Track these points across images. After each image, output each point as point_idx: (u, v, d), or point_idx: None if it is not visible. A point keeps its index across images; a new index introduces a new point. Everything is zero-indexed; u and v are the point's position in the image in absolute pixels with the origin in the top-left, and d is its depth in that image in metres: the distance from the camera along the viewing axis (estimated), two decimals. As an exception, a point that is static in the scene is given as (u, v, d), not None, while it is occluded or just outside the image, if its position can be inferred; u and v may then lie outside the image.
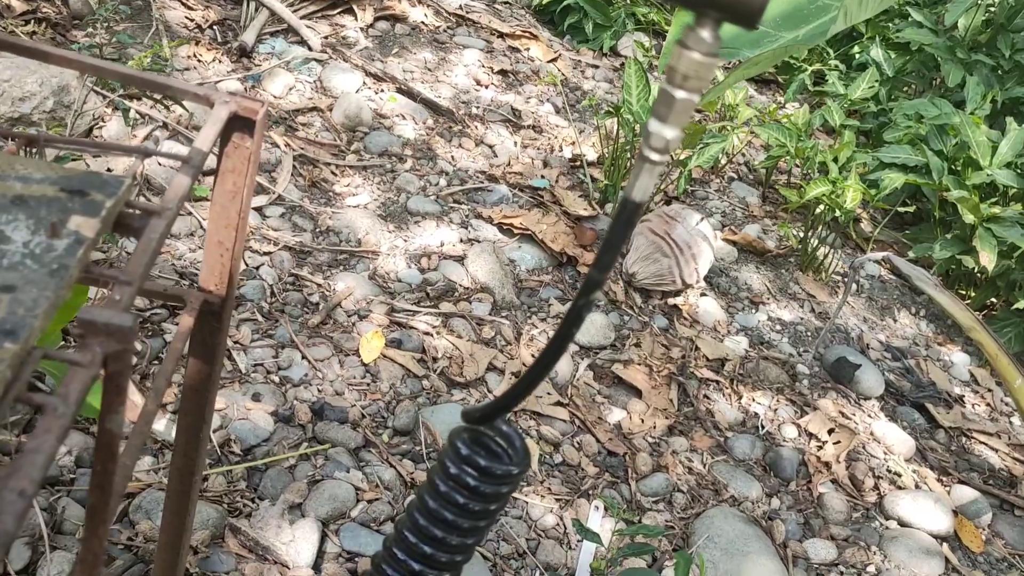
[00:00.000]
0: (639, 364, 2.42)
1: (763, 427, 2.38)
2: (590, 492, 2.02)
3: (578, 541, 1.89)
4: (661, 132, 0.58)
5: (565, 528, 1.91)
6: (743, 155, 3.67)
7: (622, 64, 4.04)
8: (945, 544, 2.20)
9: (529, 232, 2.71)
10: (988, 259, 2.80)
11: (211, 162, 1.02)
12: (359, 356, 2.12)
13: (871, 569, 2.07)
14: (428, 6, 3.88)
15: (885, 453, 2.43)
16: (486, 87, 3.48)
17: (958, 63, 3.65)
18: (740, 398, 2.45)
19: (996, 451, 2.59)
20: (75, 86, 2.37)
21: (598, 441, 2.15)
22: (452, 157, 3.01)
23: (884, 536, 2.17)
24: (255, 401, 1.91)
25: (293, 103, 2.96)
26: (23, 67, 2.36)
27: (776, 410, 2.45)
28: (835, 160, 3.11)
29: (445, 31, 3.77)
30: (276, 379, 1.99)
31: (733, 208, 3.32)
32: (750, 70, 1.76)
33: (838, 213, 2.95)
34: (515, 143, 3.22)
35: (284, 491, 1.74)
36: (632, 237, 2.76)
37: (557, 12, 4.23)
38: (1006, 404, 2.82)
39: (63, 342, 1.75)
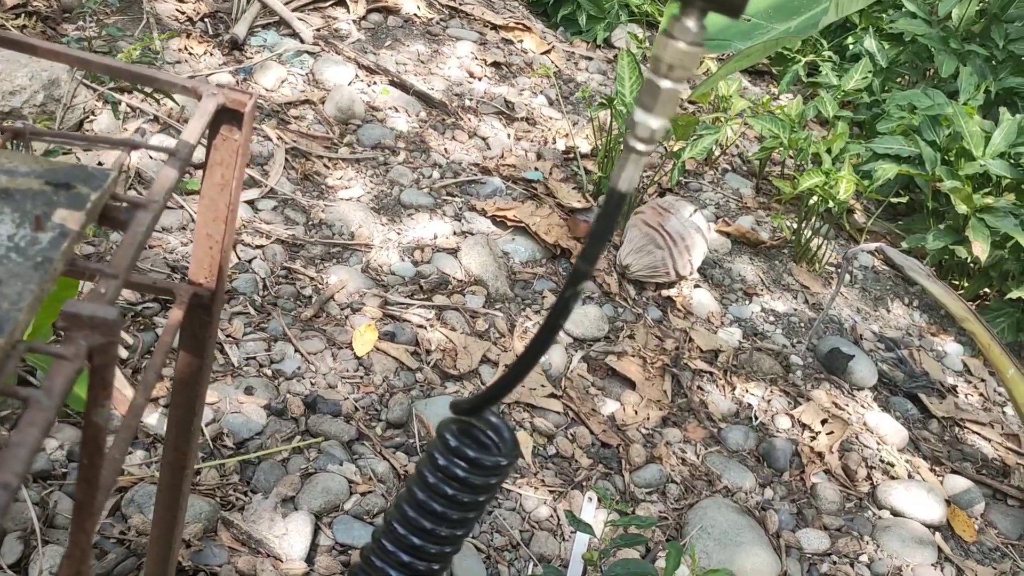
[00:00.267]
0: (633, 356, 2.42)
1: (756, 418, 2.38)
2: (584, 484, 2.02)
3: (572, 532, 1.89)
4: (647, 122, 0.58)
5: (559, 520, 1.92)
6: (737, 147, 3.67)
7: (616, 56, 4.03)
8: (938, 533, 2.21)
9: (523, 224, 2.71)
10: (981, 249, 2.81)
11: (201, 155, 1.02)
12: (352, 349, 2.12)
13: (864, 559, 2.08)
14: (421, -2, 3.87)
15: (878, 443, 2.43)
16: (479, 79, 3.48)
17: (951, 53, 3.65)
18: (734, 389, 2.45)
19: (989, 441, 2.59)
20: (65, 80, 2.36)
21: (592, 433, 2.16)
22: (445, 150, 3.00)
23: (877, 526, 2.17)
24: (248, 395, 1.90)
25: (285, 96, 2.95)
26: (13, 61, 2.35)
27: (769, 401, 2.45)
28: (828, 151, 3.11)
29: (438, 23, 3.76)
30: (269, 372, 1.99)
31: (727, 200, 3.32)
32: (742, 62, 1.76)
33: (831, 204, 2.95)
34: (508, 135, 3.21)
35: (277, 484, 1.74)
36: (626, 229, 2.76)
37: (550, 4, 4.22)
38: (999, 394, 2.83)
39: (55, 336, 1.75)
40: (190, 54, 2.92)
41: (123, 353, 1.83)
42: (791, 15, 1.78)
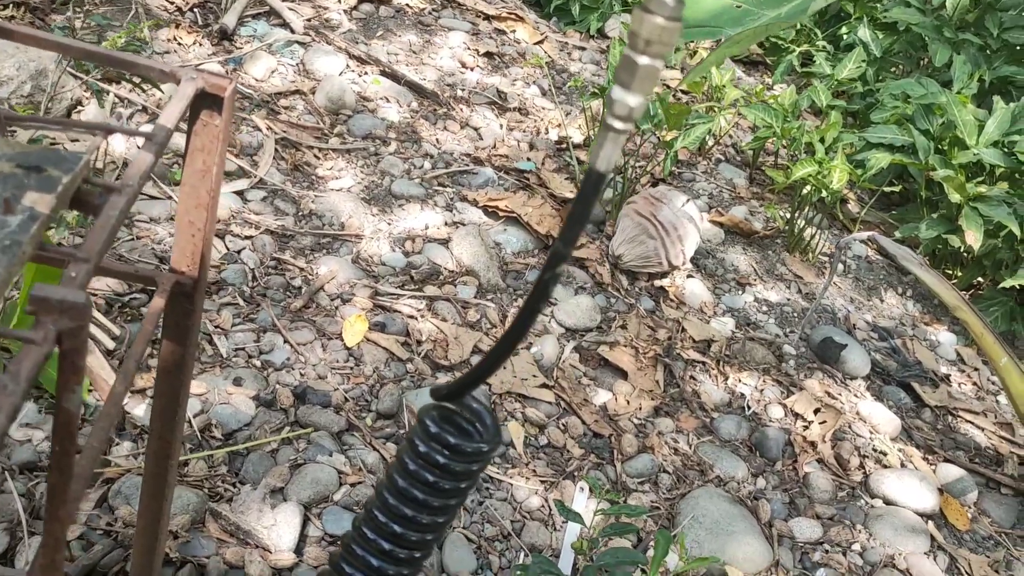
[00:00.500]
0: (625, 346, 2.41)
1: (749, 408, 2.38)
2: (575, 474, 2.01)
3: (563, 523, 1.89)
4: (624, 99, 0.57)
5: (550, 510, 1.91)
6: (730, 136, 3.65)
7: (609, 46, 4.02)
8: (931, 522, 2.20)
9: (515, 215, 2.70)
10: (974, 238, 2.80)
11: (183, 143, 1.01)
12: (342, 340, 2.11)
13: (856, 547, 2.07)
14: (413, -12, 3.85)
15: (871, 432, 2.43)
16: (471, 69, 3.46)
17: (945, 43, 3.64)
18: (726, 379, 2.44)
19: (982, 430, 2.59)
20: (52, 70, 2.35)
21: (583, 423, 2.15)
22: (437, 140, 2.99)
23: (870, 514, 2.17)
24: (236, 385, 1.89)
25: (275, 86, 2.93)
26: (1, 51, 2.33)
27: (762, 391, 2.44)
28: (822, 140, 3.10)
29: (430, 13, 3.74)
30: (258, 363, 1.98)
31: (720, 190, 3.31)
32: (732, 48, 1.75)
33: (824, 194, 2.94)
34: (501, 126, 3.20)
35: (266, 475, 1.73)
36: (618, 219, 2.75)
37: (543, -6, 4.20)
38: (992, 383, 2.82)
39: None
40: (179, 44, 2.90)
41: (110, 344, 1.82)
42: (782, 2, 1.76)
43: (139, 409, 1.74)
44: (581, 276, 2.62)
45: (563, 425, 2.12)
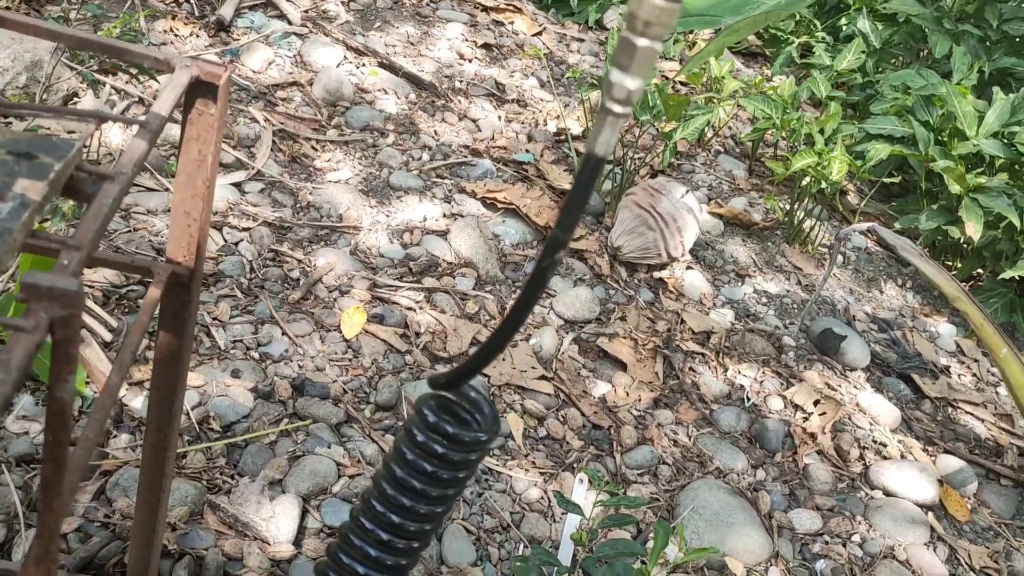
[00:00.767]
0: (624, 337, 2.40)
1: (749, 399, 2.37)
2: (575, 465, 2.01)
3: (562, 514, 1.88)
4: (623, 82, 0.56)
5: (549, 501, 1.90)
6: (729, 128, 3.64)
7: (607, 37, 4.00)
8: (930, 513, 2.20)
9: (513, 206, 2.69)
10: (974, 229, 2.79)
11: (177, 133, 1.00)
12: (340, 332, 2.10)
13: (856, 538, 2.07)
14: (410, -21, 3.83)
15: (871, 424, 2.43)
16: (469, 61, 3.45)
17: (945, 34, 3.62)
18: (726, 371, 2.44)
19: (982, 421, 2.59)
20: (48, 61, 2.33)
21: (583, 415, 2.14)
22: (435, 132, 2.98)
23: (869, 506, 2.17)
24: (234, 378, 1.88)
25: (272, 78, 2.92)
26: (-5, 42, 2.31)
27: (762, 382, 2.44)
28: (821, 132, 3.09)
29: (428, 4, 3.73)
30: (256, 355, 1.97)
31: (719, 181, 3.30)
32: (731, 37, 1.74)
33: (824, 185, 2.93)
34: (499, 117, 3.19)
35: (264, 467, 1.72)
36: (617, 210, 2.74)
37: (541, -15, 4.18)
38: (992, 374, 2.82)
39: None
40: (176, 35, 2.88)
41: (107, 336, 1.81)
42: (782, -10, 1.75)
43: (137, 401, 1.73)
44: (580, 268, 2.61)
45: (562, 417, 2.12)
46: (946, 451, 2.42)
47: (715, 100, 3.26)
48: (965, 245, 3.13)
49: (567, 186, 2.84)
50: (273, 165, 2.56)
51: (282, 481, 1.71)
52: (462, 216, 2.60)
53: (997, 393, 2.74)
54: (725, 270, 2.85)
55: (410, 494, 0.75)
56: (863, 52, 3.71)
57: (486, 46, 3.58)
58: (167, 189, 2.29)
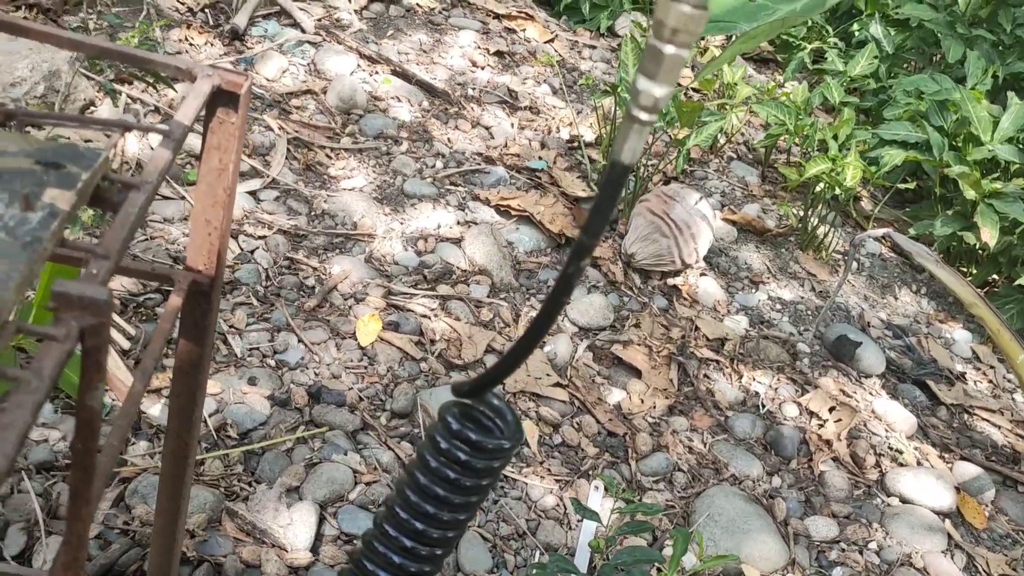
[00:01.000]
0: (639, 344, 2.40)
1: (764, 406, 2.36)
2: (590, 472, 2.01)
3: (578, 521, 1.88)
4: (650, 90, 0.56)
5: (565, 508, 1.90)
6: (742, 134, 3.64)
7: (619, 44, 4.00)
8: (947, 520, 2.19)
9: (527, 214, 2.69)
10: (989, 235, 2.78)
11: (198, 143, 1.00)
12: (356, 339, 2.11)
13: (873, 546, 2.06)
14: (423, -12, 3.84)
15: (886, 430, 2.42)
16: (482, 68, 3.46)
17: (958, 38, 3.62)
18: (740, 377, 2.43)
19: (999, 428, 2.57)
20: (66, 71, 2.35)
21: (598, 421, 2.14)
22: (448, 139, 2.98)
23: (886, 513, 2.16)
24: (251, 385, 1.89)
25: (287, 86, 2.94)
26: (14, 52, 2.33)
27: (777, 389, 2.43)
28: (835, 138, 3.09)
29: (440, 12, 3.74)
30: (272, 363, 1.98)
31: (732, 188, 3.29)
32: (747, 43, 1.74)
33: (838, 191, 2.93)
34: (512, 125, 3.19)
35: (281, 474, 1.72)
36: (631, 217, 2.74)
37: (553, -8, 4.20)
38: (1008, 381, 2.80)
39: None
40: (191, 44, 2.90)
41: (125, 344, 1.82)
42: (796, -4, 1.75)
43: (154, 409, 1.74)
44: (594, 275, 2.61)
45: (577, 424, 2.11)
46: (963, 458, 2.41)
47: (728, 106, 3.26)
48: (980, 251, 3.12)
49: (580, 193, 2.84)
50: (288, 173, 2.57)
51: (299, 488, 1.72)
52: (476, 223, 2.61)
53: (1014, 399, 2.72)
54: (739, 277, 2.85)
55: (434, 501, 0.75)
56: (876, 57, 3.71)
57: (498, 53, 3.59)
58: (183, 197, 2.30)
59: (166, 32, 2.85)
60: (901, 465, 2.32)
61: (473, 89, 3.31)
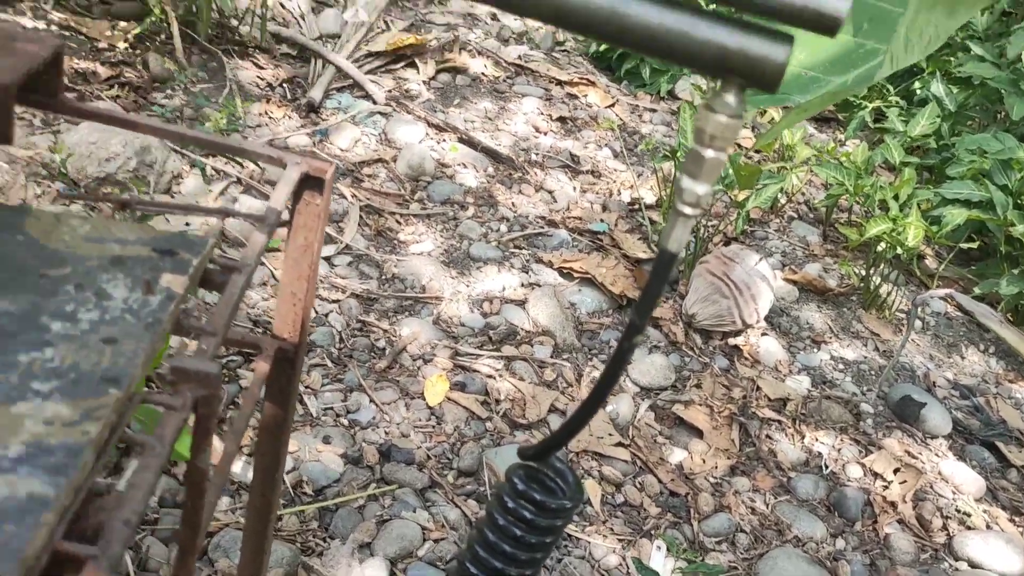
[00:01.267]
0: (700, 404, 2.43)
1: (827, 467, 2.37)
2: (652, 532, 2.04)
3: (641, 581, 1.91)
4: (693, 188, 0.63)
5: (628, 568, 1.93)
6: (803, 194, 3.67)
7: (679, 107, 4.09)
8: (1019, 586, 2.16)
9: (589, 276, 2.76)
10: (1057, 294, 2.76)
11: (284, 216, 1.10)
12: (424, 399, 2.19)
13: (941, 611, 2.04)
14: (488, 57, 4.00)
15: (954, 493, 2.39)
16: (545, 134, 3.57)
17: (1022, 96, 3.62)
18: (803, 438, 2.44)
19: (1072, 490, 2.53)
20: (156, 147, 2.52)
21: (660, 481, 2.17)
22: (512, 203, 3.08)
23: (954, 577, 2.14)
24: (325, 443, 1.98)
25: (359, 155, 3.08)
26: (108, 130, 2.51)
27: (840, 449, 2.43)
28: (896, 198, 3.11)
29: (504, 80, 3.88)
30: (345, 422, 2.07)
31: (793, 247, 3.32)
32: (800, 115, 1.80)
33: (900, 250, 2.94)
34: (574, 188, 3.28)
35: (354, 530, 1.80)
36: (691, 279, 2.79)
37: (614, 58, 4.31)
38: (1082, 442, 2.75)
39: (146, 387, 1.85)
40: (270, 118, 3.07)
41: (209, 404, 1.93)
42: (848, 68, 1.81)
43: (236, 466, 1.83)
44: (655, 335, 2.66)
45: (639, 483, 2.15)
46: (1034, 521, 2.37)
47: (787, 167, 3.30)
48: (1049, 309, 3.08)
49: (641, 255, 2.91)
50: (360, 239, 2.69)
51: (371, 544, 1.79)
52: (539, 285, 2.69)
53: (1088, 461, 2.67)
54: (800, 336, 2.87)
55: (501, 557, 0.82)
56: (937, 116, 3.72)
57: (561, 119, 3.70)
58: (262, 263, 2.43)
59: (247, 106, 3.03)
60: (969, 528, 2.29)
61: (536, 154, 3.41)
